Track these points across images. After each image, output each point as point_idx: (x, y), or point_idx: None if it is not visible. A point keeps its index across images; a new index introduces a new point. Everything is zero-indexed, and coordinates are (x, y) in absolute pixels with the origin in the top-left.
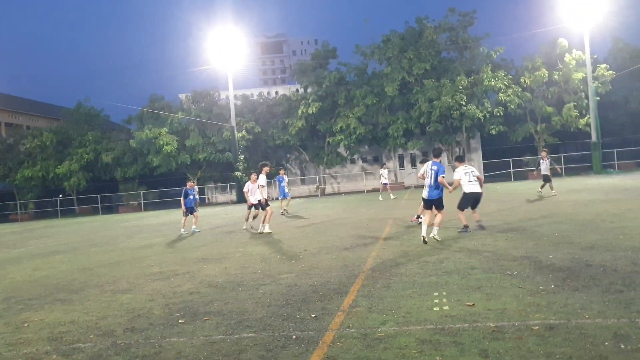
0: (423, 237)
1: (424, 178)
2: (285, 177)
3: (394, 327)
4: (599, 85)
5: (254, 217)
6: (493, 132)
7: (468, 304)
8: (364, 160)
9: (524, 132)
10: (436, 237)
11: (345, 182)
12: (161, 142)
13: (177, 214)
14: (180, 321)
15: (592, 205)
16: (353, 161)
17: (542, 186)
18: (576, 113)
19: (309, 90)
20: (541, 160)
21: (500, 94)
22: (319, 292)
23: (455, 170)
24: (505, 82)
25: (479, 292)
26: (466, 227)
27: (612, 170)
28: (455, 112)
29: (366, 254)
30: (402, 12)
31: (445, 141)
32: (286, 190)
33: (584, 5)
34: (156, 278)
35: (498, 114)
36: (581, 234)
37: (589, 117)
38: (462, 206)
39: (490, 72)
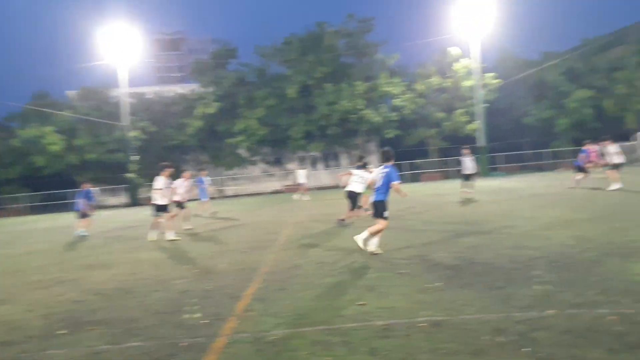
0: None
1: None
2: (207, 179)
3: (286, 330)
4: (487, 92)
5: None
6: (389, 136)
7: (360, 303)
8: (265, 162)
9: (418, 136)
10: (369, 248)
11: (246, 184)
12: (46, 142)
13: (64, 218)
14: (61, 332)
15: (479, 206)
16: (254, 163)
17: (465, 185)
18: (466, 119)
19: (209, 89)
20: (464, 159)
21: (396, 100)
22: (213, 298)
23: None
24: (401, 88)
25: (372, 291)
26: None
27: (498, 173)
28: (353, 116)
29: (263, 257)
30: (302, 15)
31: (344, 144)
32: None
33: (473, 17)
34: (37, 287)
35: (394, 119)
36: (468, 234)
37: (478, 123)
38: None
39: (386, 78)
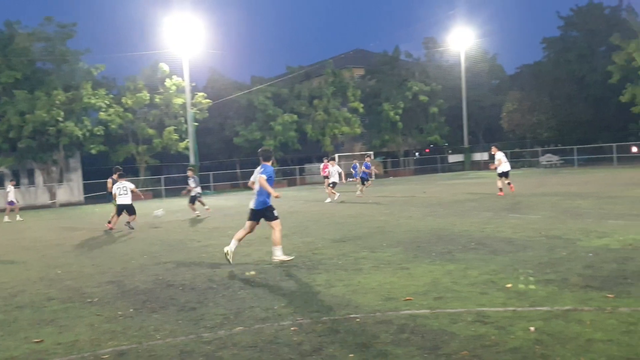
0: (226, 252)
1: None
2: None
3: None
4: (197, 111)
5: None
6: (93, 151)
7: (36, 340)
8: None
9: (126, 152)
10: (281, 257)
11: None
12: None
13: None
14: None
15: (184, 226)
16: None
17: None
18: (176, 136)
19: None
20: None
21: (101, 113)
22: None
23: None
24: (107, 101)
25: (52, 325)
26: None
27: (208, 191)
28: (51, 129)
29: None
30: None
31: (40, 159)
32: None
33: (185, 35)
34: None
35: (99, 133)
36: (169, 255)
37: (188, 141)
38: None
39: (90, 89)
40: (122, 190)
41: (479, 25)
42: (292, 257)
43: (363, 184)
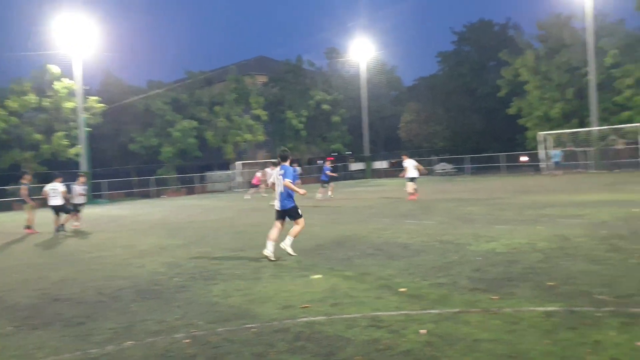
0: (267, 256)
1: (274, 187)
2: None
3: None
4: (90, 116)
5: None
6: None
7: None
8: None
9: (10, 159)
10: (288, 249)
11: None
12: None
13: None
14: None
15: (74, 236)
16: None
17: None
18: (67, 142)
19: None
20: (75, 186)
21: None
22: None
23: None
24: None
25: None
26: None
27: (102, 200)
28: None
29: None
30: None
31: None
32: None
33: (76, 36)
34: None
35: None
36: (56, 267)
37: (80, 147)
38: None
39: None
40: (52, 192)
41: (379, 37)
42: (295, 254)
43: (323, 186)
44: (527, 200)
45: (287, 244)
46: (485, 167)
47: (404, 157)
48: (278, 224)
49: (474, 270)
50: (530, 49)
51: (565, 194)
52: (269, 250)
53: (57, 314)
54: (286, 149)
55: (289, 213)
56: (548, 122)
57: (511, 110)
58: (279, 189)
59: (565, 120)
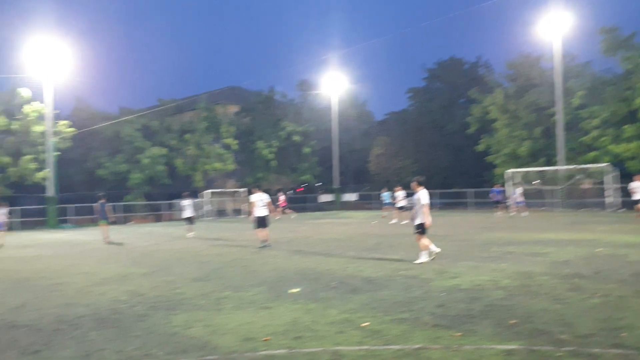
0: (433, 254)
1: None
2: None
3: None
4: (60, 140)
5: None
6: None
7: None
8: None
9: None
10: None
11: None
12: None
13: None
14: None
15: (36, 261)
16: None
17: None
18: (35, 166)
19: None
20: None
21: None
22: None
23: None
24: None
25: None
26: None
27: (67, 225)
28: None
29: None
30: None
31: None
32: None
33: (48, 60)
34: None
35: None
36: (14, 293)
37: (48, 171)
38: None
39: None
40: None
41: (352, 71)
42: (431, 257)
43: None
44: (493, 237)
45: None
46: (453, 202)
47: (397, 188)
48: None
49: (437, 306)
50: (500, 88)
51: (531, 231)
52: (432, 249)
53: (14, 340)
54: (422, 176)
55: (419, 227)
56: (516, 159)
57: (480, 147)
58: (417, 208)
59: (532, 158)
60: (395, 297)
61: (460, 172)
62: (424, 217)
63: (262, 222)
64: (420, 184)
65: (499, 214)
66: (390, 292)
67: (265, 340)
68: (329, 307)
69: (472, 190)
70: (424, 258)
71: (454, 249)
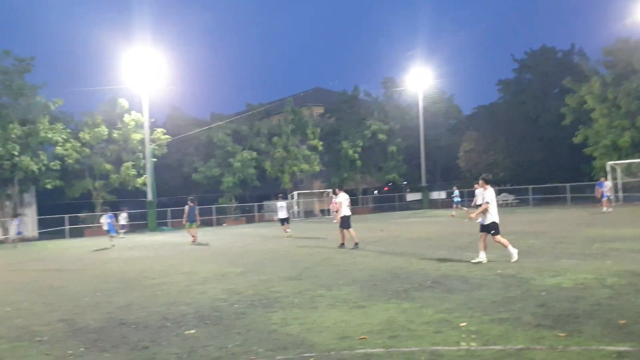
0: (481, 262)
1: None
2: None
3: None
4: (156, 147)
5: None
6: (49, 186)
7: None
8: None
9: (82, 188)
10: (513, 257)
11: None
12: None
13: None
14: None
15: (140, 262)
16: None
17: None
18: (134, 172)
19: None
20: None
21: (58, 148)
22: None
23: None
24: (64, 136)
25: None
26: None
27: (166, 227)
28: (6, 163)
29: None
30: None
31: None
32: None
33: (144, 71)
34: None
35: (55, 168)
36: (122, 292)
37: (146, 177)
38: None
39: (47, 124)
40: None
41: (437, 66)
42: (515, 259)
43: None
44: (593, 234)
45: (512, 254)
46: (548, 198)
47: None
48: (481, 236)
49: (539, 306)
50: (596, 76)
51: (634, 227)
52: (481, 258)
53: (124, 337)
54: (489, 174)
55: (488, 227)
56: (617, 151)
57: (577, 139)
58: (483, 207)
59: (635, 149)
60: (494, 296)
61: (555, 165)
62: (491, 216)
63: (347, 222)
64: (487, 182)
65: (606, 208)
66: (487, 291)
67: (362, 338)
68: (424, 306)
69: (569, 184)
70: (512, 255)
71: (553, 246)
